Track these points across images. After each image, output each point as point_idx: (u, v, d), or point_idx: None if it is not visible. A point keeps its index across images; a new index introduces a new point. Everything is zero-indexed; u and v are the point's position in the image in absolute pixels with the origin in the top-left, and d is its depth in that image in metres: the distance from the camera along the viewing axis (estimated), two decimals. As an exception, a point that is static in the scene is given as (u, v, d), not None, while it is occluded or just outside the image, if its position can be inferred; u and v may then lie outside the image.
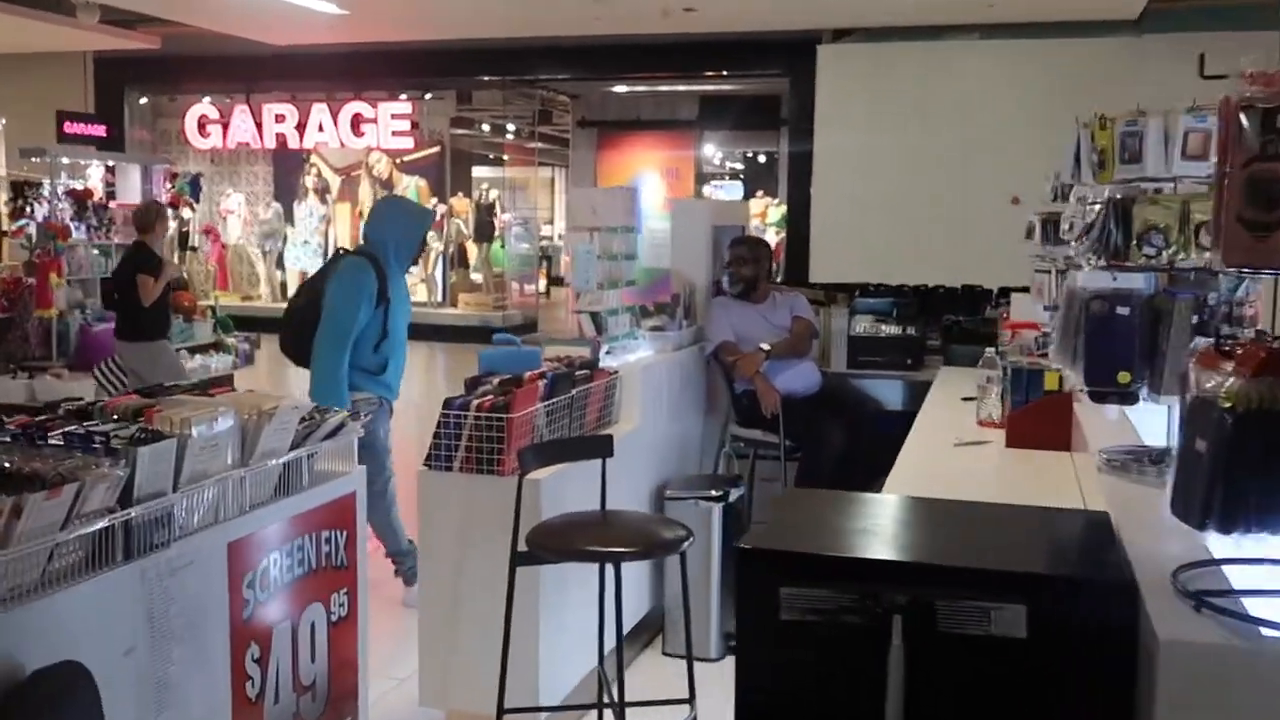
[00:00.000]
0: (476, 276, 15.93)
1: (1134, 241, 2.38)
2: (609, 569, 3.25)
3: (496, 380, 3.66)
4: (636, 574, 4.26)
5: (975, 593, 1.81)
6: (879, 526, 2.19)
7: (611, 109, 17.11)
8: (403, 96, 15.23)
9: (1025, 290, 6.15)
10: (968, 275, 7.95)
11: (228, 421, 2.45)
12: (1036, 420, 3.58)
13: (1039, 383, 3.73)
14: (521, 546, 3.13)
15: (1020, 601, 1.80)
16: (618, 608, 3.14)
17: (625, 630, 3.37)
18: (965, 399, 4.42)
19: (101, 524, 2.12)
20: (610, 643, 3.36)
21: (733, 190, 18.27)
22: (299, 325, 4.33)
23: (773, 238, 14.33)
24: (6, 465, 2.02)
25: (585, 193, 4.69)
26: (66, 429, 2.27)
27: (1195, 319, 2.36)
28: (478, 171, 17.41)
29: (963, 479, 3.34)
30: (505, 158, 17.51)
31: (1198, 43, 5.88)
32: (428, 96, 15.42)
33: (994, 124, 10.47)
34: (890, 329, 6.17)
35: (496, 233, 16.09)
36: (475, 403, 3.48)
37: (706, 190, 17.49)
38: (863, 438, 5.30)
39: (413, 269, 4.55)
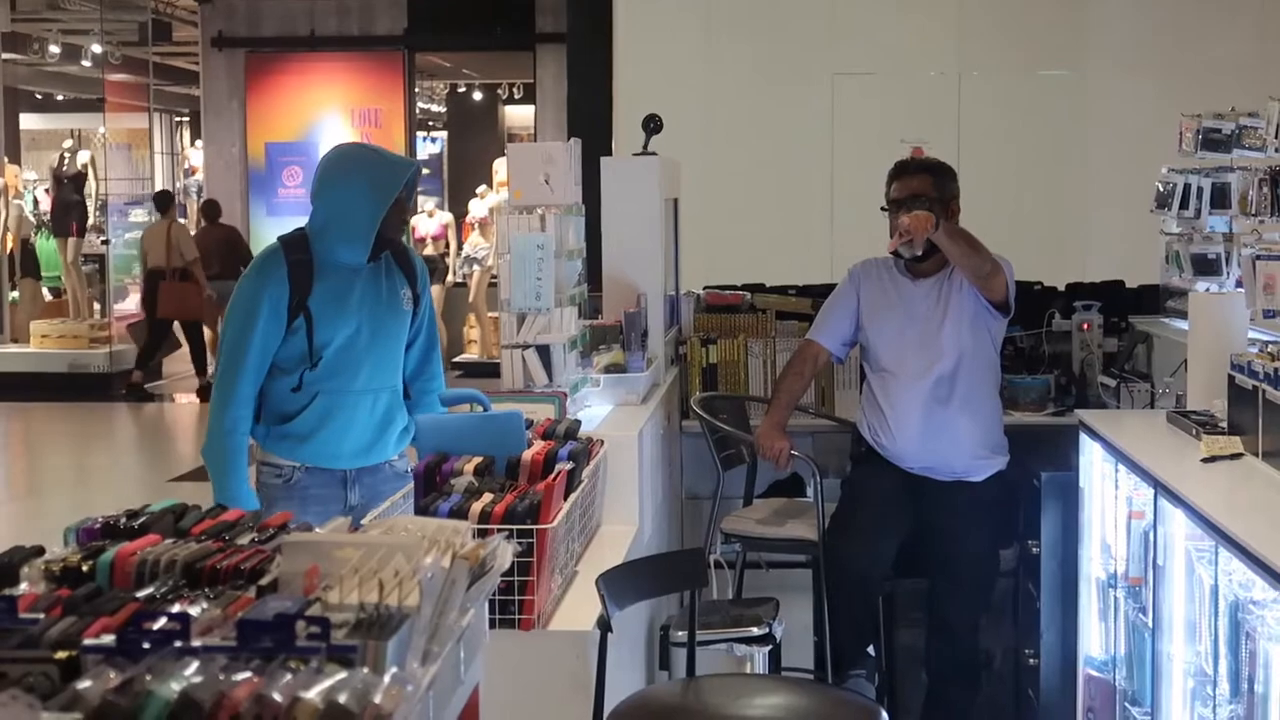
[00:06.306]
0: (47, 291, 15.87)
1: None
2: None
3: (469, 467, 3.55)
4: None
5: None
6: None
7: (266, 21, 16.66)
8: (-83, 0, 15.34)
9: (1109, 286, 6.28)
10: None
11: (437, 575, 2.29)
12: None
13: None
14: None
15: None
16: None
17: None
18: (1206, 459, 4.43)
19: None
20: None
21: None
22: None
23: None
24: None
25: (529, 149, 4.65)
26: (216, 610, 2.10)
27: None
28: (47, 122, 16.60)
29: None
30: (103, 99, 16.76)
31: None
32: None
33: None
34: None
35: (90, 221, 15.67)
36: (476, 508, 3.31)
37: (424, 148, 17.51)
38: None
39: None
